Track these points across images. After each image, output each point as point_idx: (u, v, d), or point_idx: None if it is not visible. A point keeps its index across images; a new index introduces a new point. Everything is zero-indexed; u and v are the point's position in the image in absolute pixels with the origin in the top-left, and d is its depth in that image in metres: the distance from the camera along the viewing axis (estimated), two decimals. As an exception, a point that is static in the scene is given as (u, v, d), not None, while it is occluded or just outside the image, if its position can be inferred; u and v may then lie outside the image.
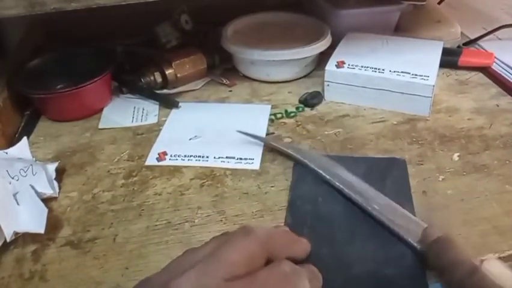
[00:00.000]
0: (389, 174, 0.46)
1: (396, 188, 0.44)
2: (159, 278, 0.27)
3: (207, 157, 0.51)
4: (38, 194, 0.44)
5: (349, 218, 0.41)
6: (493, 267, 0.32)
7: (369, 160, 0.48)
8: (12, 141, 0.55)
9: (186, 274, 0.26)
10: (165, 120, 0.58)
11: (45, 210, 0.42)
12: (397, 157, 0.48)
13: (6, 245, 0.41)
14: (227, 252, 0.28)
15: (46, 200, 0.45)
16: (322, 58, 0.64)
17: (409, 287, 0.35)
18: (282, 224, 0.42)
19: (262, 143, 0.52)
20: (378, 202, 0.41)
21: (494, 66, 0.65)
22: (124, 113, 0.60)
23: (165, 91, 0.64)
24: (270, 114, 0.58)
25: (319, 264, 0.34)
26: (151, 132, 0.56)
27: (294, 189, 0.45)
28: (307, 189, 0.45)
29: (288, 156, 0.50)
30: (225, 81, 0.66)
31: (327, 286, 0.32)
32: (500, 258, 0.38)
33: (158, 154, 0.52)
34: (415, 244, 0.37)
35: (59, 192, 0.47)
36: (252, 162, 0.50)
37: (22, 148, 0.49)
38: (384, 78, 0.56)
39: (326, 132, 0.55)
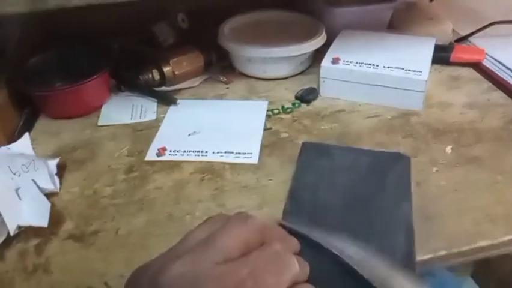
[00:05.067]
0: (391, 169, 0.46)
1: (397, 185, 0.44)
2: (155, 264, 0.28)
3: (206, 152, 0.52)
4: (40, 189, 0.45)
5: (347, 209, 0.42)
6: None
7: (374, 154, 0.48)
8: (12, 139, 0.55)
9: (180, 259, 0.27)
10: (164, 117, 0.59)
11: (48, 204, 0.43)
12: (402, 153, 0.48)
13: (10, 239, 0.42)
14: (222, 238, 0.28)
15: (48, 195, 0.45)
16: (317, 55, 0.65)
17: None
18: (281, 213, 0.43)
19: (260, 138, 0.53)
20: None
21: (485, 62, 0.66)
22: (122, 110, 0.61)
23: (163, 88, 0.65)
24: (267, 110, 0.59)
25: (314, 250, 0.35)
26: (150, 129, 0.57)
27: (297, 178, 0.46)
28: (310, 178, 0.46)
29: (286, 151, 0.51)
30: (222, 78, 0.67)
31: (320, 273, 0.32)
32: (493, 245, 0.40)
33: (158, 149, 0.52)
34: None
35: (60, 188, 0.48)
36: (251, 157, 0.51)
37: (24, 144, 0.49)
38: (379, 73, 0.57)
39: (322, 127, 0.56)
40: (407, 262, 0.37)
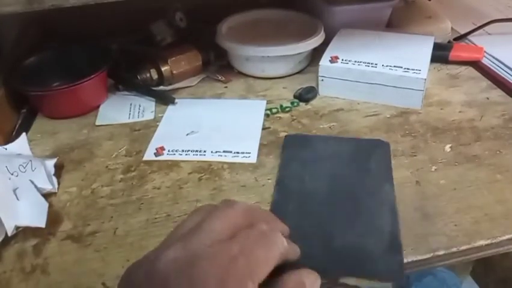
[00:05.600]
0: (373, 154, 0.48)
1: (380, 167, 0.47)
2: (148, 257, 0.29)
3: (204, 151, 0.51)
4: (37, 189, 0.44)
5: (333, 194, 0.44)
6: None
7: (355, 141, 0.51)
8: (9, 139, 0.54)
9: (173, 246, 0.27)
10: (162, 117, 0.59)
11: (46, 204, 0.42)
12: (382, 139, 0.51)
13: (7, 240, 0.41)
14: (211, 222, 0.29)
15: (46, 196, 0.45)
16: (316, 54, 0.65)
17: (386, 259, 0.37)
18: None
19: (259, 137, 0.53)
20: None
21: (484, 60, 0.66)
22: (120, 109, 0.61)
23: (161, 88, 0.65)
24: (266, 110, 0.59)
25: (302, 235, 0.37)
26: (148, 128, 0.57)
27: (283, 169, 0.48)
28: (295, 169, 0.47)
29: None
30: (220, 77, 0.67)
31: (310, 254, 0.33)
32: (492, 244, 0.40)
33: (156, 149, 0.52)
34: None
35: (58, 188, 0.48)
36: (249, 156, 0.51)
37: (21, 144, 0.49)
38: (377, 72, 0.57)
39: (321, 126, 0.56)
40: (394, 240, 0.39)
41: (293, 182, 0.45)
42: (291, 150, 0.50)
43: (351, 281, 0.37)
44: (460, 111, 0.57)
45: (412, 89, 0.56)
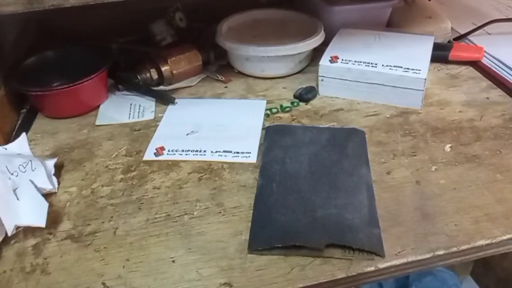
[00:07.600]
0: (350, 140, 0.51)
1: (356, 152, 0.49)
2: None
3: (204, 151, 0.52)
4: (37, 189, 0.44)
5: (313, 174, 0.46)
6: None
7: (333, 129, 0.53)
8: (9, 139, 0.55)
9: None
10: (162, 116, 0.59)
11: (46, 204, 0.42)
12: (357, 127, 0.53)
13: (7, 239, 0.41)
14: None
15: (46, 196, 0.45)
16: (316, 54, 0.65)
17: (365, 231, 0.40)
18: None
19: (259, 137, 0.53)
20: None
21: (484, 60, 0.66)
22: (120, 109, 0.61)
23: (161, 88, 0.65)
24: (266, 109, 0.59)
25: (287, 209, 0.41)
26: (148, 128, 0.57)
27: (265, 156, 0.49)
28: (276, 154, 0.49)
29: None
30: (220, 77, 0.67)
31: (295, 225, 0.36)
32: (492, 244, 0.40)
33: (156, 149, 0.52)
34: None
35: (58, 188, 0.48)
36: (249, 156, 0.51)
37: (21, 144, 0.49)
38: (377, 72, 0.57)
39: (321, 126, 0.55)
40: (371, 215, 0.41)
41: (275, 165, 0.47)
42: (272, 138, 0.52)
43: (336, 253, 0.38)
44: (459, 111, 0.57)
45: (412, 89, 0.56)
